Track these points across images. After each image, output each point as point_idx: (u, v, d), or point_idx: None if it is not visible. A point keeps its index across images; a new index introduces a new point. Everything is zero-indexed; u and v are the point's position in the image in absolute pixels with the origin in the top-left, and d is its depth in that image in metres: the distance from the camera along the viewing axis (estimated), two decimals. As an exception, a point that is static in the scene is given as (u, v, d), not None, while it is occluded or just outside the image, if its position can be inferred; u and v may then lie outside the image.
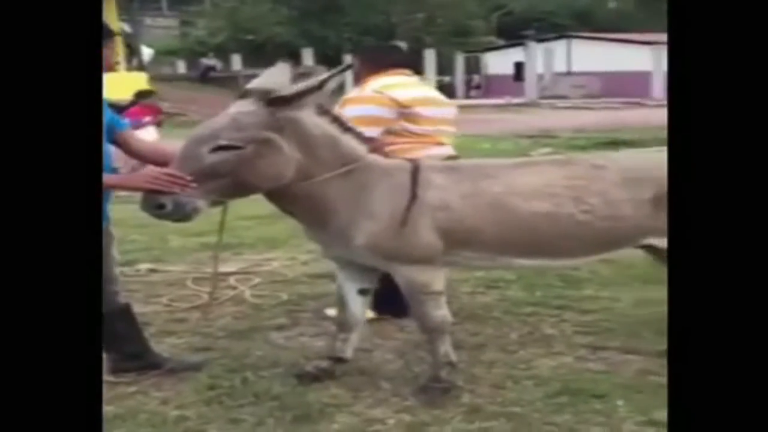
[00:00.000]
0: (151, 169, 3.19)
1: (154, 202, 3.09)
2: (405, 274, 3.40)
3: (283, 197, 3.31)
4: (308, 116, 3.24)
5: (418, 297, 3.43)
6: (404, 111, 4.00)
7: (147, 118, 9.96)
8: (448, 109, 4.34)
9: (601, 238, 3.43)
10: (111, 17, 25.14)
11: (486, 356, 3.98)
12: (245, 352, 4.06)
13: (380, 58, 4.24)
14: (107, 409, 3.36)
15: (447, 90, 38.05)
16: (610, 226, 3.38)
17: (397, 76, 4.12)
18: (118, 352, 3.70)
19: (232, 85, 25.00)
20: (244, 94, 3.28)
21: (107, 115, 3.46)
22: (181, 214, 3.12)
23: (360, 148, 3.39)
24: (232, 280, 5.46)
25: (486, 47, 43.42)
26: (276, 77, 3.35)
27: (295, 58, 34.66)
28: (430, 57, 33.14)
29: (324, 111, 3.32)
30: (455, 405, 3.42)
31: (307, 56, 33.46)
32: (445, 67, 38.10)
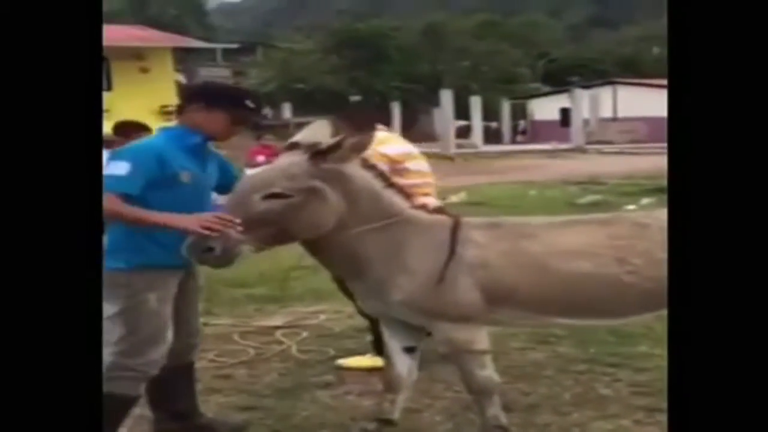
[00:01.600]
0: (208, 214, 3.20)
1: (204, 245, 3.08)
2: (445, 333, 3.34)
3: (321, 248, 3.31)
4: (353, 169, 3.28)
5: (461, 356, 3.35)
6: (395, 166, 4.14)
7: (261, 158, 9.93)
8: (425, 162, 4.54)
9: (646, 298, 3.33)
10: (167, 69, 25.87)
11: (539, 418, 3.86)
12: (290, 412, 3.99)
13: (358, 117, 4.35)
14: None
15: (494, 135, 38.29)
16: (655, 287, 3.26)
17: (379, 132, 4.16)
18: (168, 410, 3.65)
19: (283, 132, 25.37)
20: (291, 147, 3.34)
21: (226, 167, 3.60)
22: (227, 258, 3.12)
23: (401, 203, 3.39)
24: (278, 335, 5.41)
25: (532, 94, 43.52)
26: (317, 132, 3.42)
27: (343, 105, 35.08)
28: (476, 104, 33.25)
29: (369, 165, 3.36)
30: (506, 470, 3.31)
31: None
32: (490, 114, 38.21)
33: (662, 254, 3.17)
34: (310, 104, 35.76)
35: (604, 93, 38.09)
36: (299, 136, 3.40)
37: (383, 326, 3.59)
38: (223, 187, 3.55)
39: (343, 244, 3.27)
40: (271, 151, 9.97)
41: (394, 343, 3.57)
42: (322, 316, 5.91)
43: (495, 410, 3.41)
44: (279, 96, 37.63)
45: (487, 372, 3.37)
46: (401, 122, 32.61)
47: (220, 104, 3.36)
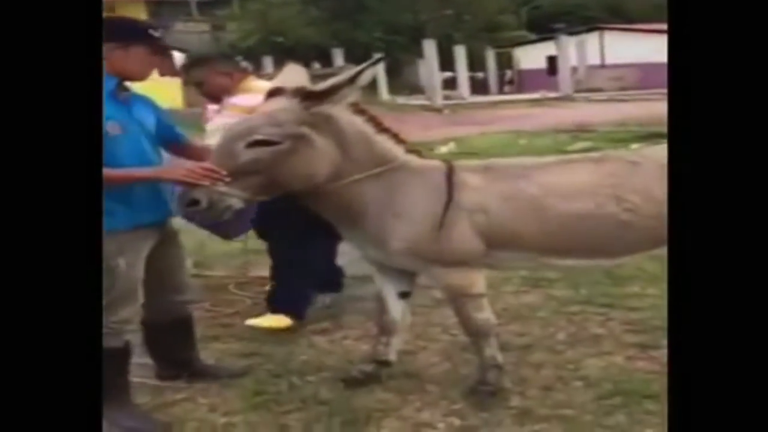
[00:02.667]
0: (186, 163, 3.17)
1: (188, 198, 3.06)
2: (444, 278, 3.36)
3: (316, 198, 3.28)
4: (343, 113, 3.22)
5: (460, 300, 3.38)
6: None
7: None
8: None
9: (644, 236, 3.34)
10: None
11: (534, 357, 3.92)
12: (289, 357, 4.04)
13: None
14: (155, 417, 3.38)
15: (480, 86, 38.09)
16: (652, 224, 3.29)
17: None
18: (167, 359, 3.70)
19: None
20: (273, 93, 3.26)
21: (163, 122, 3.46)
22: (215, 212, 3.08)
23: (395, 149, 3.36)
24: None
25: (517, 42, 43.17)
26: (295, 76, 3.37)
27: (325, 59, 34.75)
28: (460, 53, 32.98)
29: (359, 110, 3.30)
30: (504, 408, 3.37)
31: (338, 57, 33.48)
32: (476, 64, 37.94)
33: (658, 191, 3.22)
34: (291, 58, 35.35)
35: (591, 39, 37.82)
36: (278, 81, 3.34)
37: (377, 272, 3.62)
38: (165, 139, 3.47)
39: (339, 194, 3.24)
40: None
41: (388, 289, 3.60)
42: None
43: (492, 350, 3.46)
44: (260, 50, 37.19)
45: (485, 314, 3.41)
46: (386, 74, 32.34)
47: (129, 38, 3.19)
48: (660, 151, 3.42)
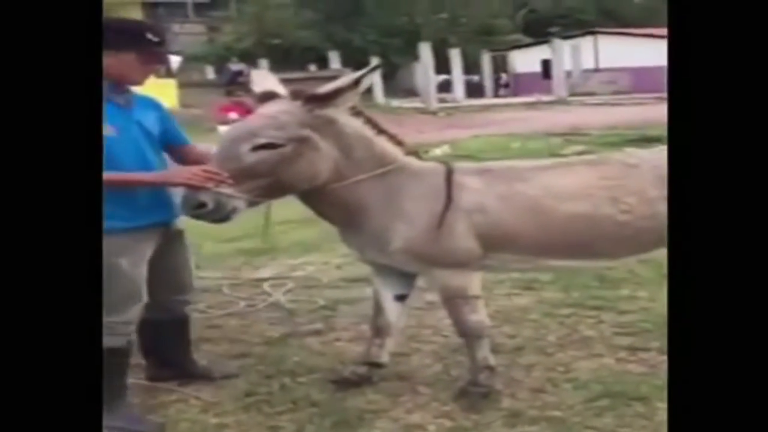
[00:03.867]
0: (189, 167, 3.20)
1: (195, 201, 3.08)
2: (441, 279, 3.38)
3: (318, 199, 3.31)
4: (343, 116, 3.26)
5: (456, 302, 3.41)
6: None
7: (233, 115, 9.65)
8: None
9: (641, 237, 3.39)
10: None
11: (525, 359, 3.95)
12: (282, 359, 4.06)
13: None
14: (149, 418, 3.40)
15: (475, 89, 38.16)
16: (650, 226, 3.34)
17: None
18: (160, 359, 3.72)
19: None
20: (264, 97, 3.30)
21: (166, 123, 3.47)
22: (222, 214, 3.11)
23: (394, 150, 3.39)
24: (266, 286, 5.46)
25: (512, 46, 43.26)
26: (265, 81, 3.42)
27: (321, 61, 34.80)
28: (455, 57, 33.06)
29: (358, 112, 3.34)
30: (495, 409, 3.39)
31: (334, 59, 33.53)
32: (471, 67, 38.02)
33: (654, 192, 3.27)
34: (287, 60, 35.43)
35: (585, 43, 37.93)
36: (262, 87, 3.36)
37: (375, 275, 3.64)
38: (169, 142, 3.47)
39: (340, 195, 3.27)
40: (244, 108, 9.67)
41: (385, 292, 3.63)
42: (310, 268, 5.97)
43: (485, 352, 3.49)
44: (256, 52, 37.21)
45: (479, 316, 3.44)
46: (381, 77, 32.43)
47: (123, 44, 3.15)
48: (655, 154, 3.48)
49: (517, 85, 40.21)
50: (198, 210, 3.10)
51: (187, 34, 42.43)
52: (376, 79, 31.88)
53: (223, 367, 3.93)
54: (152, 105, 3.44)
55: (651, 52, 34.61)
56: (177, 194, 3.35)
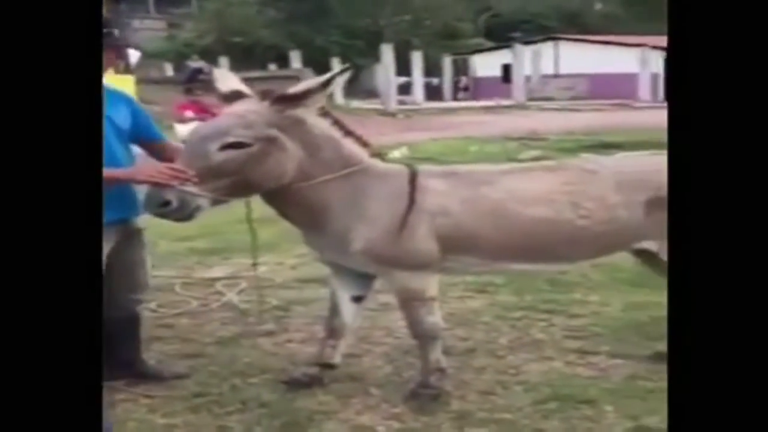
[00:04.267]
0: (155, 163, 3.17)
1: (159, 199, 3.06)
2: (400, 281, 3.40)
3: (282, 198, 3.30)
4: (311, 117, 3.26)
5: (412, 303, 3.42)
6: None
7: (189, 113, 9.49)
8: None
9: (598, 242, 3.44)
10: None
11: (476, 362, 3.97)
12: (233, 359, 4.04)
13: None
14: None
15: (435, 92, 38.32)
16: (607, 230, 3.39)
17: None
18: (112, 359, 3.66)
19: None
20: (232, 96, 3.28)
21: (138, 117, 3.44)
22: (185, 213, 3.10)
23: (360, 152, 3.40)
24: (219, 286, 5.43)
25: (474, 49, 43.51)
26: (228, 80, 3.39)
27: (283, 60, 34.66)
28: (417, 59, 33.16)
29: (325, 113, 3.34)
30: (445, 411, 3.41)
31: (295, 59, 33.41)
32: (432, 70, 38.17)
33: (614, 198, 3.32)
34: (248, 59, 35.24)
35: (546, 49, 38.30)
36: (227, 86, 3.34)
37: (333, 276, 3.64)
38: (141, 137, 3.47)
39: (305, 195, 3.27)
40: (200, 107, 9.55)
41: (342, 293, 3.64)
42: (264, 268, 5.92)
43: (437, 354, 3.51)
44: (217, 50, 36.95)
45: (435, 318, 3.46)
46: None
47: None
48: (616, 161, 3.55)
49: (478, 89, 40.45)
50: (162, 208, 3.07)
51: (147, 29, 42.07)
52: (336, 80, 31.94)
53: (173, 367, 3.89)
54: (123, 99, 3.43)
55: (610, 59, 35.14)
56: (139, 191, 3.32)
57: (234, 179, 3.12)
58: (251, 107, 3.19)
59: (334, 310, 3.67)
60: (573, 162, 3.84)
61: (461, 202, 3.36)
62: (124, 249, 3.40)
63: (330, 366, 3.70)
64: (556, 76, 37.71)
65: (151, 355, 3.97)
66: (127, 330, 3.68)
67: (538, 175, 3.52)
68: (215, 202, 3.19)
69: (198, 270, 5.82)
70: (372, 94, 34.41)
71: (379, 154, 3.50)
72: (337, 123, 3.37)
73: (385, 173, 3.42)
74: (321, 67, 31.64)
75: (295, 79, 26.99)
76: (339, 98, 30.11)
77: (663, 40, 35.40)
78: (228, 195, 3.20)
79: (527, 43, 36.95)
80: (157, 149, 3.51)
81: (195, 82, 10.57)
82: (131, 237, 3.46)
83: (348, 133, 3.39)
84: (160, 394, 3.63)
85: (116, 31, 3.22)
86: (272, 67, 33.51)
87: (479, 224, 3.35)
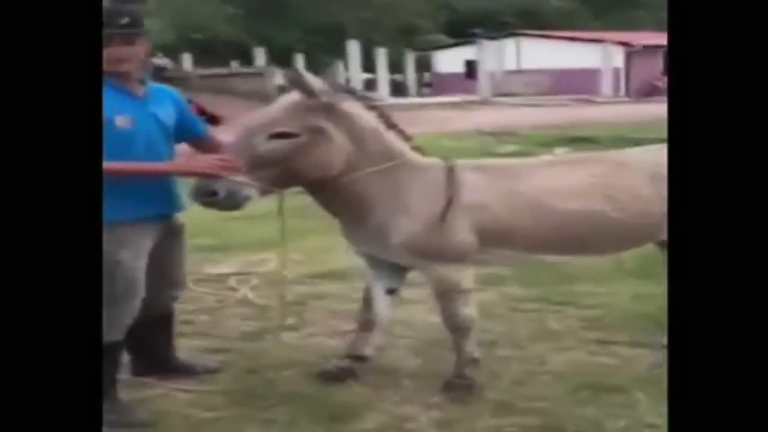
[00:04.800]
0: (205, 156, 3.20)
1: (207, 189, 3.10)
2: (438, 273, 3.45)
3: (326, 190, 3.34)
4: (357, 109, 3.32)
5: (449, 295, 3.48)
6: None
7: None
8: None
9: (631, 234, 3.54)
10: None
11: (500, 353, 4.05)
12: (261, 353, 4.07)
13: None
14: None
15: (399, 88, 38.34)
16: (640, 223, 3.50)
17: None
18: (147, 356, 3.69)
19: (184, 85, 24.66)
20: (284, 88, 3.36)
21: (183, 114, 3.46)
22: (233, 202, 3.14)
23: (402, 145, 3.45)
24: (232, 282, 5.45)
25: (436, 46, 43.65)
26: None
27: (245, 57, 34.43)
28: (381, 56, 33.19)
29: (372, 106, 3.41)
30: (482, 401, 3.47)
31: (259, 56, 33.23)
32: (393, 66, 38.20)
33: (646, 190, 3.42)
34: (210, 55, 34.96)
35: (508, 45, 38.55)
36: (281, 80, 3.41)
37: (368, 268, 3.69)
38: (185, 133, 3.48)
39: (350, 187, 3.32)
40: (198, 109, 9.43)
41: (377, 285, 3.68)
42: (271, 263, 5.95)
43: (471, 345, 3.57)
44: (178, 46, 36.59)
45: (469, 310, 3.52)
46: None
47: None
48: (647, 153, 3.64)
49: (440, 84, 40.60)
50: (209, 198, 3.11)
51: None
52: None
53: (203, 362, 3.91)
54: (168, 96, 3.43)
55: (571, 54, 35.52)
56: (182, 186, 3.35)
57: (281, 169, 3.17)
58: (299, 98, 3.22)
59: (368, 302, 3.71)
60: (600, 155, 3.93)
61: (498, 195, 3.43)
62: (165, 245, 3.42)
63: (362, 358, 3.75)
64: (519, 71, 37.99)
65: (179, 351, 3.99)
66: (163, 326, 3.70)
67: (570, 169, 3.62)
68: (264, 192, 3.23)
69: (206, 266, 5.81)
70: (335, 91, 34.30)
71: (418, 148, 3.56)
72: (382, 116, 3.42)
73: (425, 167, 3.48)
74: (284, 65, 31.58)
75: (260, 76, 26.84)
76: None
77: (623, 36, 36.08)
78: (275, 185, 3.25)
79: (490, 38, 37.18)
80: (202, 146, 3.53)
81: (159, 80, 10.54)
82: (173, 233, 3.48)
83: (391, 126, 3.44)
84: (197, 388, 3.65)
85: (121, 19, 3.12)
86: (234, 64, 33.29)
87: (515, 217, 3.43)
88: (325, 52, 38.64)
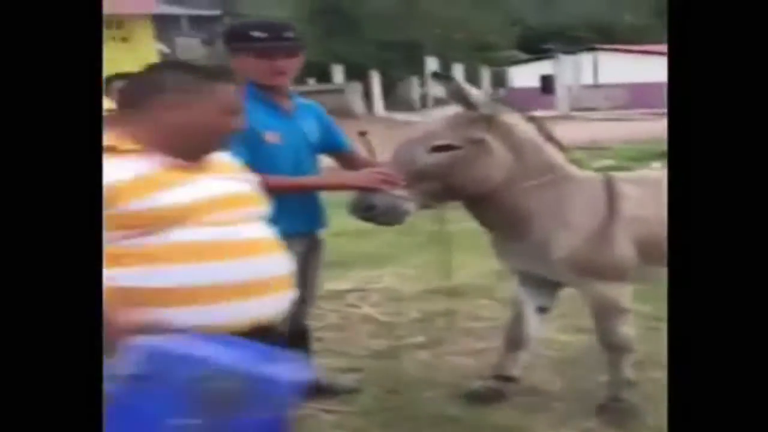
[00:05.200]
0: (367, 170, 3.13)
1: (365, 203, 3.02)
2: (597, 290, 3.29)
3: (485, 204, 3.22)
4: (517, 120, 3.22)
5: (608, 313, 3.31)
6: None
7: None
8: None
9: None
10: (148, 40, 25.49)
11: (651, 374, 3.84)
12: (397, 372, 3.95)
13: None
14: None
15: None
16: None
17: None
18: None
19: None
20: (441, 101, 3.30)
21: (328, 129, 3.39)
22: (391, 217, 3.05)
23: (560, 158, 3.31)
24: (350, 298, 5.35)
25: (511, 61, 43.53)
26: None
27: (322, 75, 34.76)
28: (458, 71, 33.17)
29: (531, 117, 3.29)
30: (643, 427, 3.29)
31: (337, 73, 33.57)
32: (471, 82, 38.16)
33: None
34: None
35: (585, 59, 38.14)
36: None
37: (520, 286, 3.55)
38: (329, 148, 3.41)
39: (509, 200, 3.19)
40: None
41: (528, 303, 3.54)
42: (386, 279, 5.84)
43: (628, 367, 3.40)
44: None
45: (627, 329, 3.35)
46: (382, 91, 32.60)
47: (236, 47, 3.06)
48: None
49: (514, 99, 40.25)
50: (368, 212, 3.03)
51: (185, 46, 42.31)
52: (376, 92, 32.03)
53: (342, 381, 3.81)
54: (313, 111, 3.36)
55: (646, 68, 34.94)
56: (326, 201, 3.27)
57: (442, 183, 3.07)
58: (460, 111, 3.13)
59: (517, 320, 3.57)
60: None
61: (657, 209, 3.25)
62: (305, 260, 3.33)
63: (511, 379, 3.60)
64: (596, 86, 37.51)
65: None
66: (302, 343, 3.61)
67: None
68: (422, 207, 3.13)
69: (324, 282, 5.73)
70: (409, 106, 34.38)
71: (577, 161, 3.41)
72: (541, 128, 3.30)
73: (583, 180, 3.33)
74: (360, 81, 31.82)
75: (340, 92, 27.07)
76: (380, 111, 30.21)
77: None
78: (434, 199, 3.16)
79: (566, 53, 36.86)
80: (346, 160, 3.45)
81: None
82: (314, 248, 3.40)
83: (549, 137, 3.31)
84: (340, 409, 3.55)
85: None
86: (311, 81, 33.60)
87: None
88: (399, 68, 38.79)
